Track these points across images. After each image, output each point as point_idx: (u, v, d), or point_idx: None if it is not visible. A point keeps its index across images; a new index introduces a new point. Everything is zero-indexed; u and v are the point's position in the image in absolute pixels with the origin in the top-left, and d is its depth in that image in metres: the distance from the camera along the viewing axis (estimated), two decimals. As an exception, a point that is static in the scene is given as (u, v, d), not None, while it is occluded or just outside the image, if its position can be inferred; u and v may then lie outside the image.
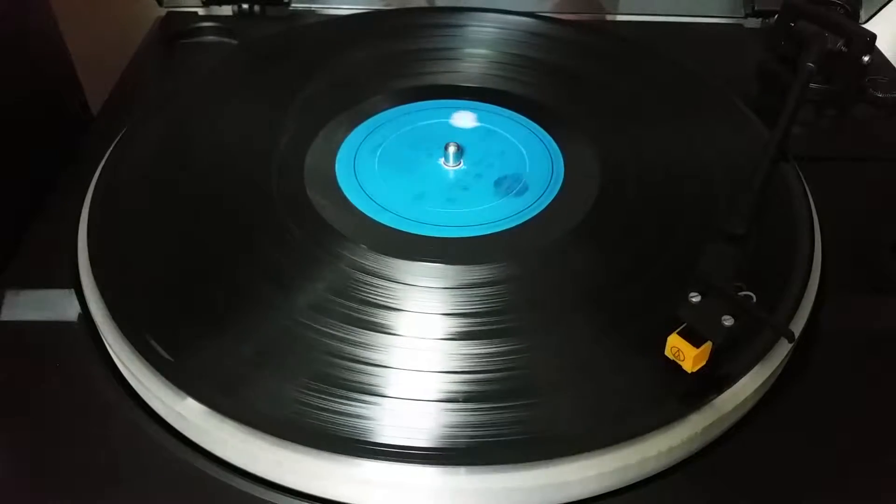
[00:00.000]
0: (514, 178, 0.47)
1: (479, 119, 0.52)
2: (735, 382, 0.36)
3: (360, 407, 0.35)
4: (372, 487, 0.34)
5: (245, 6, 0.67)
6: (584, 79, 0.56)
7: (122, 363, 0.38)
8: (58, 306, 0.42)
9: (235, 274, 0.41)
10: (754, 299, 0.36)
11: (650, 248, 0.43)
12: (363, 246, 0.42)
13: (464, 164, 0.49)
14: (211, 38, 0.66)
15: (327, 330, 0.38)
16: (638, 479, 0.35)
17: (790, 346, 0.38)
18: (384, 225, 0.44)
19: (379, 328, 0.38)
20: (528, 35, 0.59)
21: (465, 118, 0.52)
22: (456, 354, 0.37)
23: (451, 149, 0.48)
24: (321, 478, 0.34)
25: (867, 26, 0.63)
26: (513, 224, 0.44)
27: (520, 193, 0.46)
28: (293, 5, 0.68)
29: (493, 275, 0.41)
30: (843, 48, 0.55)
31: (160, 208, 0.45)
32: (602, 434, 0.34)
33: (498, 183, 0.47)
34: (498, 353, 0.37)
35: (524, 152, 0.50)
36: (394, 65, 0.57)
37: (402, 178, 0.48)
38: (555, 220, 0.45)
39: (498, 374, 0.36)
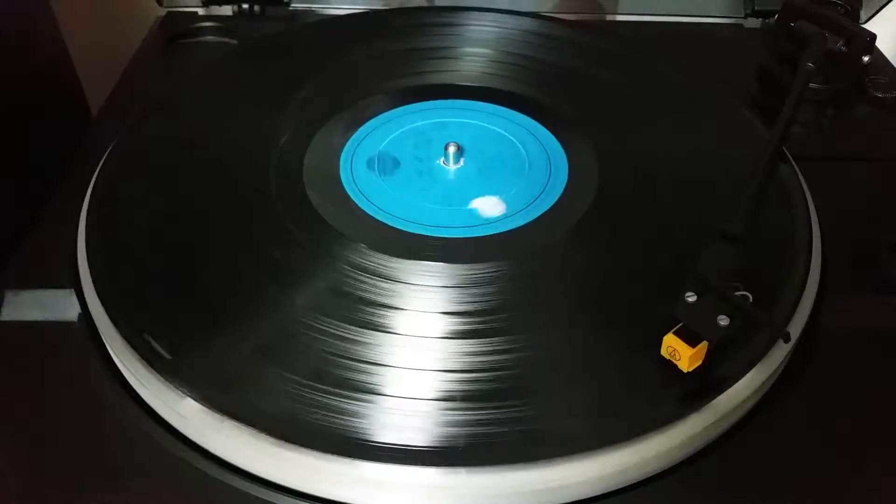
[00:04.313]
0: (385, 156, 0.47)
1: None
2: (734, 383, 0.36)
3: (360, 406, 0.35)
4: (372, 487, 0.34)
5: (245, 6, 0.67)
6: (584, 79, 0.56)
7: (122, 363, 0.38)
8: (58, 306, 0.42)
9: (235, 273, 0.41)
10: (751, 299, 0.36)
11: (649, 247, 0.43)
12: (362, 245, 0.42)
13: (464, 164, 0.49)
14: (211, 38, 0.66)
15: (327, 329, 0.38)
16: (638, 480, 0.35)
17: (789, 345, 0.38)
18: (384, 224, 0.44)
19: (378, 327, 0.38)
20: (528, 35, 0.59)
21: (490, 205, 0.46)
22: (455, 354, 0.37)
23: (451, 149, 0.48)
24: (321, 477, 0.34)
25: (867, 26, 0.63)
26: (512, 224, 0.44)
27: (391, 171, 0.47)
28: (293, 5, 0.68)
29: (492, 274, 0.41)
30: (843, 48, 0.55)
31: (160, 208, 0.45)
32: (602, 434, 0.34)
33: (370, 163, 0.48)
34: (497, 352, 0.37)
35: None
36: (393, 65, 0.57)
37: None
38: (555, 219, 0.45)
39: (498, 374, 0.36)
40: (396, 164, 0.45)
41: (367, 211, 0.45)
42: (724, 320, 0.35)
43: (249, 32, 0.64)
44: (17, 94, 0.55)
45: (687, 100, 0.54)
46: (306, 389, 0.35)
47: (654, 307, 0.39)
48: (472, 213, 0.45)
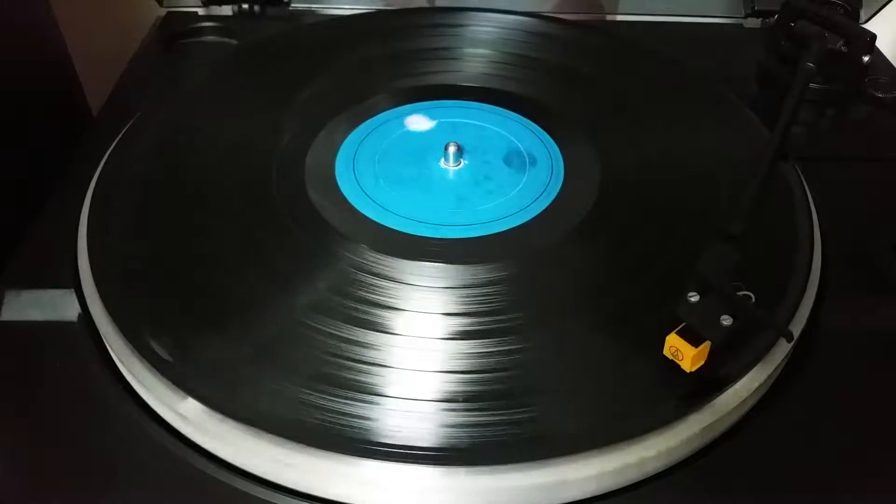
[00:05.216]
0: (519, 153, 0.47)
1: (435, 116, 0.52)
2: (735, 382, 0.36)
3: (361, 407, 0.35)
4: (372, 487, 0.34)
5: (245, 6, 0.67)
6: (584, 79, 0.56)
7: (122, 363, 0.38)
8: (58, 306, 0.42)
9: (235, 274, 0.41)
10: (753, 299, 0.36)
11: (650, 247, 0.43)
12: (363, 245, 0.42)
13: (464, 164, 0.49)
14: (211, 38, 0.66)
15: (327, 330, 0.38)
16: (638, 479, 0.35)
17: (790, 346, 0.38)
18: (384, 225, 0.44)
19: (379, 328, 0.38)
20: (528, 35, 0.59)
21: (419, 121, 0.51)
22: (456, 354, 0.37)
23: (451, 149, 0.48)
24: (321, 478, 0.34)
25: (867, 26, 0.63)
26: (513, 224, 0.44)
27: (532, 164, 0.47)
28: (293, 5, 0.68)
29: (493, 275, 0.41)
30: (843, 48, 0.55)
31: (160, 208, 0.45)
32: (602, 434, 0.34)
33: (508, 160, 0.47)
34: (498, 352, 0.37)
35: (524, 152, 0.50)
36: (394, 65, 0.57)
37: (402, 178, 0.48)
38: (555, 220, 0.45)
39: (498, 374, 0.36)
40: (534, 160, 0.47)
41: (368, 211, 0.45)
42: (727, 320, 0.35)
43: (249, 32, 0.64)
44: (18, 94, 0.55)
45: (687, 100, 0.54)
46: (306, 389, 0.35)
47: (654, 307, 0.39)
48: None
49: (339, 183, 0.47)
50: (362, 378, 0.36)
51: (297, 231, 0.43)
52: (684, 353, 0.35)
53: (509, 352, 0.37)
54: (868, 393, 0.39)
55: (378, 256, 0.42)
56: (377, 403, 0.35)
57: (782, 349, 0.38)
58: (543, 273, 0.42)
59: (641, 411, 0.35)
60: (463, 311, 0.39)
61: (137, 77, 0.61)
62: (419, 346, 0.38)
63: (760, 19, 0.68)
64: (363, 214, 0.45)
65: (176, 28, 0.66)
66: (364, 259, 0.41)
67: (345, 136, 0.50)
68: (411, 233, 0.43)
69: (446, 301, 0.40)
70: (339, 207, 0.45)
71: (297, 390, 0.35)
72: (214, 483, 0.35)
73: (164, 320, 0.39)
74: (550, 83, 0.55)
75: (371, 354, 0.37)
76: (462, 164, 0.49)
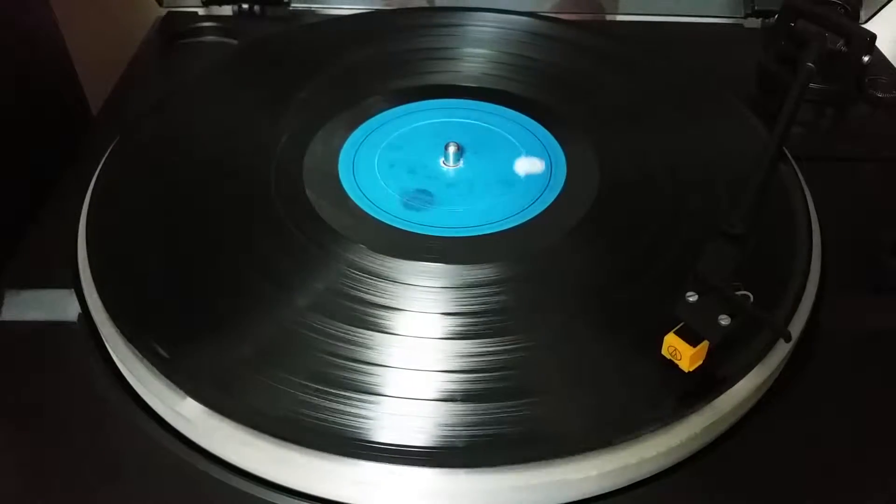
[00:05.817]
0: (423, 193, 0.46)
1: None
2: (735, 383, 0.36)
3: (360, 407, 0.35)
4: (372, 487, 0.34)
5: (245, 6, 0.68)
6: (584, 79, 0.56)
7: (122, 363, 0.38)
8: (58, 306, 0.42)
9: (235, 274, 0.41)
10: (752, 299, 0.36)
11: (649, 248, 0.43)
12: (362, 246, 0.42)
13: (463, 164, 0.49)
14: (211, 38, 0.66)
15: (326, 330, 0.38)
16: (637, 480, 0.35)
17: (789, 346, 0.38)
18: (383, 224, 0.44)
19: (378, 328, 0.38)
20: (527, 35, 0.59)
21: (530, 164, 0.49)
22: (455, 354, 0.37)
23: (451, 149, 0.48)
24: (321, 478, 0.34)
25: (867, 26, 0.63)
26: (513, 224, 0.44)
27: (420, 209, 0.45)
28: (293, 5, 0.68)
29: (492, 275, 0.41)
30: (843, 48, 0.55)
31: (160, 208, 0.45)
32: (602, 434, 0.34)
33: (409, 195, 0.46)
34: (497, 352, 0.37)
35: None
36: (394, 65, 0.57)
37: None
38: (555, 220, 0.45)
39: (497, 374, 0.36)
40: (430, 196, 0.45)
41: (367, 211, 0.45)
42: (725, 320, 0.35)
43: (249, 32, 0.64)
44: (17, 93, 0.55)
45: (687, 100, 0.54)
46: (306, 390, 0.35)
47: (653, 307, 0.39)
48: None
49: (339, 183, 0.47)
50: (361, 378, 0.36)
51: (295, 231, 0.43)
52: (682, 353, 0.35)
53: (508, 351, 0.37)
54: (868, 393, 0.39)
55: (377, 256, 0.42)
56: (376, 403, 0.35)
57: (782, 349, 0.38)
58: (543, 273, 0.42)
59: (641, 411, 0.35)
60: (462, 310, 0.39)
61: (137, 77, 0.61)
62: (418, 346, 0.38)
63: (760, 19, 0.68)
64: (362, 214, 0.45)
65: (176, 28, 0.66)
66: (363, 259, 0.41)
67: (344, 137, 0.50)
68: (410, 232, 0.43)
69: (445, 301, 0.40)
70: (339, 208, 0.45)
71: (296, 390, 0.35)
72: (214, 483, 0.35)
73: (163, 320, 0.39)
74: (550, 83, 0.55)
75: (370, 354, 0.37)
76: (462, 163, 0.49)
